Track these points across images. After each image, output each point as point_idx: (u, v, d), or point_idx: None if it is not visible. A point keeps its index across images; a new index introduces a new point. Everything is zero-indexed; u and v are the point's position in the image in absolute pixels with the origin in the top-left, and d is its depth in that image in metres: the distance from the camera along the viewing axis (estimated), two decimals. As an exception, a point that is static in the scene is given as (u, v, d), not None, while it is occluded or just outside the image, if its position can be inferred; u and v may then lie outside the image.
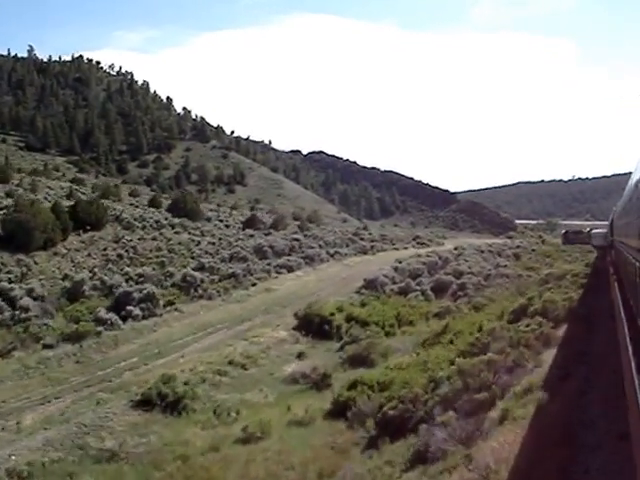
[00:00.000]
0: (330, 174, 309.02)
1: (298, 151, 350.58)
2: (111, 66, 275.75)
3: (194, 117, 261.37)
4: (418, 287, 52.17)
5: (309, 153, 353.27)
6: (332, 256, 73.35)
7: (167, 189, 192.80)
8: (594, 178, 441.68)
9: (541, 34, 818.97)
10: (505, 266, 66.26)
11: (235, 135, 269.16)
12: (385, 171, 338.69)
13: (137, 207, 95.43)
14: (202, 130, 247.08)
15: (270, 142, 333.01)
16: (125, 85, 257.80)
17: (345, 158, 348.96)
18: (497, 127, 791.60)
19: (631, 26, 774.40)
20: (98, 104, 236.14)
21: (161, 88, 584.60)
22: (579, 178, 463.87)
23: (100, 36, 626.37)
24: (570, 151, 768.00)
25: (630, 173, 12.59)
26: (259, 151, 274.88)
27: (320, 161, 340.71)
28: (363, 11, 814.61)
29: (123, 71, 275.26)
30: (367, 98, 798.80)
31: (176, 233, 71.34)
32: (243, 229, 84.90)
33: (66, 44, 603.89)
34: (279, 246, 67.89)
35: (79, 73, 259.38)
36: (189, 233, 70.56)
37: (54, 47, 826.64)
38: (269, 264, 61.43)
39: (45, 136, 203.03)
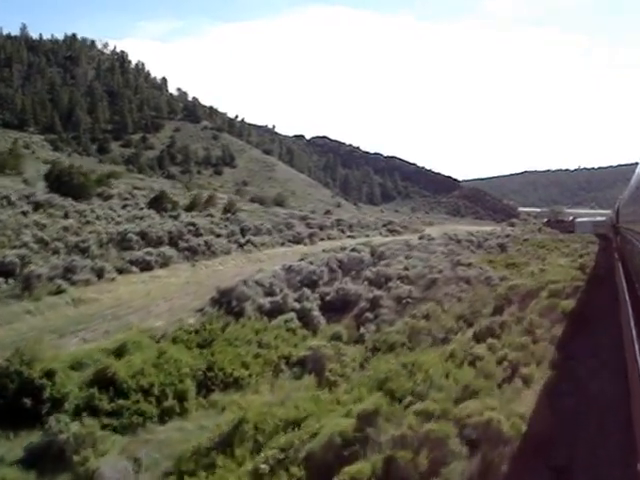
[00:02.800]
0: (331, 158, 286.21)
1: (301, 136, 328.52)
2: (105, 45, 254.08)
3: (188, 98, 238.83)
4: (301, 304, 29.94)
5: (312, 138, 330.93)
6: (242, 246, 51.46)
7: (147, 170, 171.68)
8: (600, 168, 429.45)
9: (552, 26, 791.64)
10: (469, 265, 43.94)
11: (229, 116, 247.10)
12: (388, 157, 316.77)
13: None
14: (194, 110, 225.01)
15: (274, 127, 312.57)
16: (117, 64, 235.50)
17: (348, 143, 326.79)
18: (505, 116, 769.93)
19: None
20: (85, 82, 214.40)
21: (178, 77, 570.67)
22: (585, 168, 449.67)
23: (123, 26, 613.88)
24: (577, 141, 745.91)
25: (637, 163, 11.39)
26: (255, 133, 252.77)
27: (323, 146, 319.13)
28: (379, 3, 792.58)
29: (118, 50, 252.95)
30: (376, 86, 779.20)
31: (36, 212, 49.74)
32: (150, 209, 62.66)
33: (89, 34, 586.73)
34: (157, 233, 46.01)
35: (70, 51, 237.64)
36: (49, 215, 48.80)
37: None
38: (123, 258, 39.74)
39: (23, 113, 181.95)
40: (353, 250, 42.20)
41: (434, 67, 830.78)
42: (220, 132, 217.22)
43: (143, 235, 45.93)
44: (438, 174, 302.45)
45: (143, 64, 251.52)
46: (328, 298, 31.72)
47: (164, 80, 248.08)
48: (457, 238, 74.89)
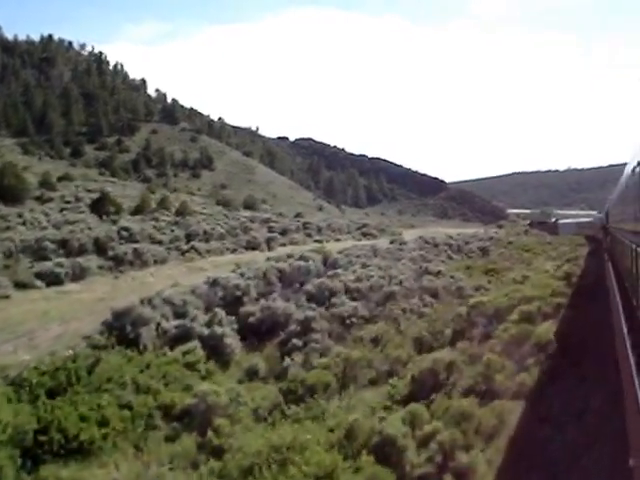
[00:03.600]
0: (315, 160, 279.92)
1: (285, 137, 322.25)
2: (82, 46, 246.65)
3: (167, 99, 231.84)
4: (210, 329, 23.64)
5: (297, 139, 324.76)
6: (184, 253, 45.18)
7: (121, 173, 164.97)
8: (590, 168, 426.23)
9: (539, 27, 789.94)
10: (437, 273, 38.01)
11: (210, 118, 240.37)
12: (373, 158, 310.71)
13: None
14: (172, 112, 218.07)
15: (257, 128, 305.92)
16: (94, 66, 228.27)
17: (333, 145, 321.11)
18: (493, 117, 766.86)
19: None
20: (60, 84, 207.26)
21: (164, 80, 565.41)
22: (575, 168, 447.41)
23: (110, 29, 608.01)
24: (566, 142, 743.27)
25: (626, 164, 11.88)
26: (237, 135, 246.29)
27: (308, 147, 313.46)
28: (367, 5, 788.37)
29: (96, 52, 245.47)
30: (363, 87, 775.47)
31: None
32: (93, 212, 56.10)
33: (75, 36, 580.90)
34: (80, 240, 39.70)
35: (46, 53, 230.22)
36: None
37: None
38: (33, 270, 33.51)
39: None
40: (301, 258, 35.99)
41: (421, 68, 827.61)
42: (199, 134, 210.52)
43: (64, 243, 39.61)
44: (425, 175, 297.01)
45: (122, 65, 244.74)
46: (252, 319, 25.51)
47: (143, 81, 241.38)
48: (434, 242, 69.04)
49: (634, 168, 8.94)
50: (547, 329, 18.02)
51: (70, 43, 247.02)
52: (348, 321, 26.65)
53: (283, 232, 61.93)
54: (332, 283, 29.80)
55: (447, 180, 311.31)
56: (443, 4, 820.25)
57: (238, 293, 27.55)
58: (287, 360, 22.41)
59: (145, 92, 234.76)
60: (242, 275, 30.59)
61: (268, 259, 37.21)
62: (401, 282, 34.06)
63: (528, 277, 47.24)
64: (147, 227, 49.12)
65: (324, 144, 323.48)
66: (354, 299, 30.35)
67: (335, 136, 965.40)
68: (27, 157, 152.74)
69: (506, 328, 18.26)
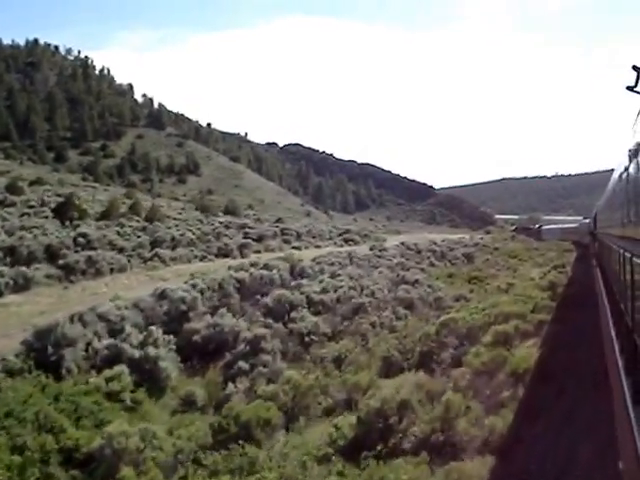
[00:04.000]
0: (303, 166, 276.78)
1: (274, 143, 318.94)
2: (68, 50, 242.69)
3: (153, 104, 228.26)
4: (143, 350, 20.42)
5: (285, 145, 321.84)
6: (147, 262, 41.99)
7: (104, 178, 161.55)
8: (577, 174, 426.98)
9: (526, 34, 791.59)
10: (415, 283, 35.05)
11: (198, 123, 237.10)
12: (362, 164, 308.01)
13: None
14: (158, 117, 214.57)
15: (246, 134, 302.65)
16: (80, 70, 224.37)
17: (322, 150, 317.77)
18: (482, 124, 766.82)
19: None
20: (45, 89, 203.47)
21: (155, 86, 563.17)
22: (562, 174, 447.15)
23: (103, 35, 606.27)
24: (554, 148, 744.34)
25: (613, 170, 12.30)
26: (226, 140, 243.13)
27: (296, 153, 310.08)
28: (356, 13, 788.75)
29: (82, 56, 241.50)
30: (352, 93, 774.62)
31: None
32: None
33: (68, 43, 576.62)
34: (30, 247, 36.43)
35: (32, 57, 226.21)
36: None
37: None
38: None
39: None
40: (265, 267, 32.83)
41: (411, 75, 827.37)
42: (185, 139, 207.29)
43: (12, 250, 36.36)
44: (413, 181, 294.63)
45: (108, 70, 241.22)
46: (197, 337, 22.36)
47: (130, 87, 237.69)
48: (417, 248, 66.11)
49: (621, 174, 9.15)
50: (526, 354, 15.03)
51: (56, 47, 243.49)
52: (308, 338, 23.53)
53: (259, 238, 58.72)
54: (293, 295, 26.70)
55: (436, 186, 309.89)
56: (435, 10, 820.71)
57: (183, 307, 24.36)
58: (230, 387, 19.27)
59: (132, 97, 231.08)
60: (194, 286, 27.37)
61: (229, 268, 33.98)
62: (373, 293, 31.05)
63: (513, 285, 44.56)
64: (110, 233, 45.84)
65: (313, 150, 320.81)
66: (318, 312, 27.34)
67: (324, 142, 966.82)
68: (8, 162, 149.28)
69: (478, 353, 15.22)
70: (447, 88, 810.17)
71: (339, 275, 33.30)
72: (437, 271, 51.58)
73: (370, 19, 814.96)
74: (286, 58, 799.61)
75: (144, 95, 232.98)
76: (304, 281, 30.09)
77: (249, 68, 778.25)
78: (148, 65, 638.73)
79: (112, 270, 38.39)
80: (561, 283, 35.28)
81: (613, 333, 10.22)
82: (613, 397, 10.23)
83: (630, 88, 5.72)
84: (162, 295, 25.86)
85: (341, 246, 69.89)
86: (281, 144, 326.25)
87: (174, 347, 21.17)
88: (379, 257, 50.29)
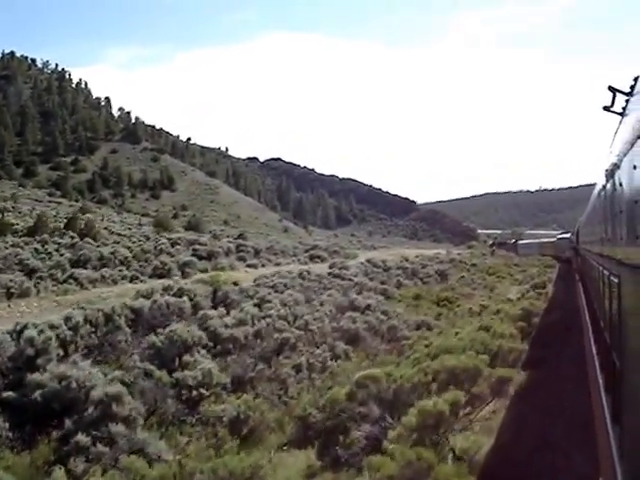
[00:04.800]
0: (283, 181, 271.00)
1: (255, 158, 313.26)
2: (45, 64, 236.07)
3: (129, 118, 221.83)
4: None
5: (266, 160, 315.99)
6: (61, 284, 35.52)
7: (73, 194, 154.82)
8: (560, 189, 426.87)
9: (510, 49, 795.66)
10: (366, 308, 28.82)
11: (175, 137, 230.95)
12: (343, 178, 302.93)
13: None
14: (134, 131, 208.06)
15: (227, 149, 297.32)
16: (55, 84, 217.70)
17: (303, 165, 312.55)
18: (466, 138, 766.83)
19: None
20: (18, 102, 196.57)
21: (142, 102, 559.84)
22: (545, 189, 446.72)
23: (90, 53, 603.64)
24: (537, 162, 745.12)
25: (595, 184, 12.35)
26: (205, 154, 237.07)
27: (277, 168, 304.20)
28: (340, 29, 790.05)
29: (59, 69, 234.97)
30: (334, 108, 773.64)
31: None
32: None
33: (56, 60, 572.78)
34: None
35: (7, 70, 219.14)
36: None
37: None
38: None
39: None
40: (179, 291, 26.46)
41: (393, 90, 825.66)
42: (161, 154, 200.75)
43: None
44: (395, 196, 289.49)
45: (86, 83, 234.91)
46: (37, 394, 15.94)
47: (107, 100, 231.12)
48: (385, 266, 60.01)
49: (599, 192, 9.60)
50: (468, 447, 8.81)
51: (33, 61, 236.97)
52: (196, 393, 17.18)
53: (209, 256, 52.35)
54: (188, 332, 20.33)
55: (419, 201, 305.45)
56: (417, 28, 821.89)
57: (29, 352, 17.93)
58: (57, 473, 12.81)
59: (109, 111, 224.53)
60: (68, 319, 20.95)
61: (137, 292, 27.59)
62: (307, 324, 24.70)
63: (487, 307, 38.83)
64: (24, 252, 39.30)
65: (294, 164, 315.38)
66: (227, 352, 21.00)
67: (306, 157, 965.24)
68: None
69: (390, 451, 8.94)
70: (430, 104, 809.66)
71: (269, 301, 27.05)
72: (403, 292, 45.46)
73: (353, 36, 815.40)
74: (269, 74, 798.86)
75: (121, 109, 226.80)
76: (210, 312, 23.65)
77: (233, 84, 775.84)
78: (135, 82, 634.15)
79: (11, 295, 31.89)
80: (540, 308, 29.51)
81: (594, 350, 10.16)
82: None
83: (606, 108, 5.73)
84: (21, 332, 19.41)
85: (305, 263, 63.65)
86: (262, 159, 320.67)
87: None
88: (337, 277, 44.10)
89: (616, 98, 5.62)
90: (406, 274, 57.78)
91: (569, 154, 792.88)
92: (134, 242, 54.15)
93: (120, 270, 41.04)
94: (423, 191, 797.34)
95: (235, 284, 32.64)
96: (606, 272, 7.26)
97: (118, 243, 52.61)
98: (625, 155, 4.56)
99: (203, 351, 19.88)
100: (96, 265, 41.48)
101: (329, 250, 76.77)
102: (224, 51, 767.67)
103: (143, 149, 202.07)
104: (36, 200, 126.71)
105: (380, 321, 29.00)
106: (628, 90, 5.21)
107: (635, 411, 4.22)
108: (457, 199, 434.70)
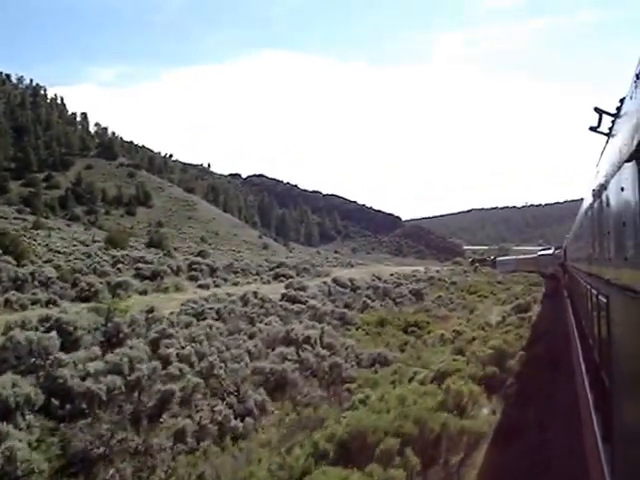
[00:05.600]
0: (265, 197, 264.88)
1: (237, 174, 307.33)
2: (20, 79, 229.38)
3: (106, 134, 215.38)
4: None
5: (249, 176, 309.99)
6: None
7: (43, 210, 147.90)
8: (547, 204, 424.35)
9: (495, 68, 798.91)
10: (305, 341, 22.47)
11: (154, 152, 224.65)
12: (327, 194, 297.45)
13: None
14: (110, 147, 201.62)
15: (209, 165, 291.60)
16: (29, 100, 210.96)
17: (286, 181, 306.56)
18: (452, 154, 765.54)
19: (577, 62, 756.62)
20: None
21: (125, 121, 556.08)
22: (532, 204, 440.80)
23: (73, 71, 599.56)
24: (523, 178, 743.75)
25: (583, 200, 12.57)
26: (180, 170, 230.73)
27: (260, 184, 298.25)
28: (327, 48, 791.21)
29: (34, 84, 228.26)
30: (320, 125, 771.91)
31: None
32: None
33: (39, 79, 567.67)
34: None
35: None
36: None
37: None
38: None
39: None
40: (57, 322, 20.13)
41: (377, 108, 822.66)
42: (138, 169, 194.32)
43: None
44: (379, 212, 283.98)
45: (62, 98, 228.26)
46: None
47: (84, 116, 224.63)
48: (353, 285, 53.89)
49: (587, 210, 9.57)
50: None
51: (8, 76, 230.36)
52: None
53: (154, 276, 45.97)
54: (13, 389, 14.06)
55: (405, 217, 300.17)
56: (402, 48, 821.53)
57: None
58: None
59: (86, 127, 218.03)
60: None
61: (6, 323, 21.21)
62: (212, 367, 18.46)
63: (462, 334, 33.23)
64: None
65: (277, 180, 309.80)
66: (81, 414, 14.75)
67: (289, 173, 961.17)
68: None
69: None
70: (416, 121, 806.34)
71: (170, 336, 20.81)
72: (366, 316, 39.31)
73: (338, 55, 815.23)
74: (254, 91, 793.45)
75: (97, 124, 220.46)
76: (73, 354, 17.38)
77: (218, 101, 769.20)
78: (119, 100, 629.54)
79: None
80: (520, 341, 23.72)
81: (583, 368, 10.07)
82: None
83: (593, 129, 5.93)
84: None
85: (268, 283, 57.41)
86: (245, 175, 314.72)
87: None
88: (290, 300, 37.88)
89: (602, 119, 5.68)
90: (377, 294, 51.79)
91: (555, 170, 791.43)
92: (69, 261, 47.71)
93: (34, 293, 34.65)
94: (409, 207, 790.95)
95: (151, 311, 26.27)
96: (594, 291, 7.26)
97: (49, 262, 46.16)
98: (612, 177, 4.67)
99: (30, 417, 13.60)
100: (7, 287, 35.07)
101: (298, 268, 70.40)
102: (209, 69, 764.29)
103: (119, 165, 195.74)
104: (2, 217, 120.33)
105: (320, 358, 22.88)
106: (614, 112, 5.23)
107: (625, 430, 4.19)
108: (444, 215, 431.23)
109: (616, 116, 5.13)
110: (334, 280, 53.25)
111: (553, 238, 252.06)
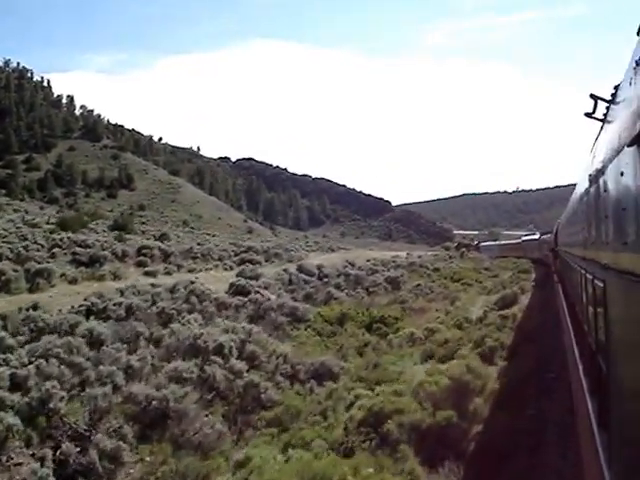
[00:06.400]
0: (254, 181, 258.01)
1: (227, 158, 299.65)
2: (7, 62, 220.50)
3: (92, 117, 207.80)
4: None
5: (238, 160, 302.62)
6: None
7: (19, 193, 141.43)
8: (537, 189, 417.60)
9: (487, 58, 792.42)
10: (216, 353, 16.24)
11: (138, 135, 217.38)
12: (316, 178, 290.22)
13: None
14: (94, 129, 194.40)
15: (198, 149, 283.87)
16: (15, 81, 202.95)
17: (275, 165, 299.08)
18: (443, 139, 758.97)
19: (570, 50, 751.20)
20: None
21: (121, 108, 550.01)
22: (523, 189, 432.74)
23: (69, 58, 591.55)
24: (514, 163, 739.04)
25: (574, 185, 12.75)
26: (164, 152, 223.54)
27: (249, 168, 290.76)
28: (319, 38, 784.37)
29: (21, 67, 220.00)
30: (311, 109, 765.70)
31: None
32: None
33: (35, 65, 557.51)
34: None
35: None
36: None
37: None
38: None
39: None
40: None
41: (369, 92, 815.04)
42: (123, 151, 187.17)
43: None
44: (369, 196, 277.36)
45: (49, 81, 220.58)
46: None
47: (70, 99, 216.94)
48: (321, 273, 48.01)
49: (582, 195, 9.27)
50: None
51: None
52: None
53: (92, 262, 39.82)
54: None
55: (396, 202, 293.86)
56: (393, 37, 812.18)
57: None
58: None
59: (72, 110, 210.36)
60: None
61: None
62: (49, 394, 12.51)
63: (435, 333, 28.19)
64: None
65: (266, 164, 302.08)
66: None
67: (279, 157, 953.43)
68: None
69: None
70: (408, 106, 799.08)
71: (9, 349, 14.73)
72: (326, 310, 33.33)
73: (329, 44, 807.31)
74: (247, 78, 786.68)
75: (83, 107, 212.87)
76: None
77: (210, 88, 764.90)
78: (114, 87, 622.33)
79: None
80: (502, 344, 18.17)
81: (577, 354, 9.82)
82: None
83: (589, 115, 5.91)
84: None
85: (230, 269, 51.39)
86: (234, 159, 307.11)
87: None
88: (236, 292, 31.92)
89: (597, 105, 5.66)
90: (347, 283, 45.92)
91: (546, 156, 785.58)
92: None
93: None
94: (399, 192, 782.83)
95: (33, 309, 20.24)
96: (589, 276, 7.25)
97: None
98: (611, 162, 4.64)
99: None
100: None
101: (269, 253, 64.25)
102: (204, 57, 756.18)
103: (103, 147, 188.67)
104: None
105: (234, 374, 16.98)
106: (609, 98, 5.23)
107: (623, 415, 4.22)
108: (434, 200, 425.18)
109: (611, 102, 5.15)
110: (299, 267, 47.20)
111: (543, 223, 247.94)
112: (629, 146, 3.39)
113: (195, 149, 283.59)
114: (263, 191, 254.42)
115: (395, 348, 26.83)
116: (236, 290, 33.43)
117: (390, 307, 38.30)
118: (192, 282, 30.98)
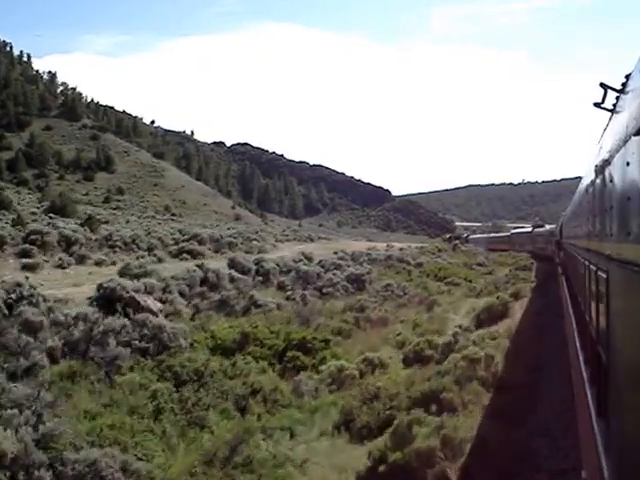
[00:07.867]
0: (248, 167, 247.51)
1: (221, 142, 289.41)
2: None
3: (74, 95, 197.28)
4: None
5: (233, 145, 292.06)
6: None
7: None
8: (544, 182, 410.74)
9: (495, 46, 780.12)
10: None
11: (121, 114, 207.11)
12: (314, 165, 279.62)
13: None
14: (73, 107, 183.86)
15: (192, 133, 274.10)
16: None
17: (272, 151, 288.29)
18: (449, 130, 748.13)
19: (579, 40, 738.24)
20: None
21: (124, 90, 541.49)
22: (529, 182, 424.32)
23: (70, 39, 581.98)
24: (520, 155, 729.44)
25: (580, 178, 12.82)
26: (151, 135, 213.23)
27: (244, 153, 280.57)
28: (324, 21, 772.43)
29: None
30: (312, 95, 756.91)
31: None
32: None
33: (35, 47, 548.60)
34: None
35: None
36: None
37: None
38: None
39: None
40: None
41: (370, 79, 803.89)
42: (103, 132, 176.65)
43: None
44: (368, 184, 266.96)
45: (29, 55, 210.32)
46: None
47: (52, 75, 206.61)
48: (263, 270, 37.64)
49: (587, 187, 9.30)
50: None
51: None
52: None
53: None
54: None
55: (399, 192, 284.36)
56: (398, 23, 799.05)
57: None
58: None
59: (52, 87, 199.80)
60: None
61: None
62: None
63: (385, 369, 17.47)
64: None
65: (262, 150, 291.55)
66: None
67: (276, 143, 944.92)
68: None
69: None
70: (412, 94, 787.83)
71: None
72: (225, 329, 22.62)
73: (334, 28, 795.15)
74: (247, 61, 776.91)
75: (63, 84, 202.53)
76: None
77: (212, 71, 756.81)
78: (116, 69, 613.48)
79: None
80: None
81: (578, 343, 10.22)
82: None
83: (597, 105, 5.74)
84: None
85: (160, 261, 41.19)
86: (229, 144, 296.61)
87: None
88: (103, 297, 21.75)
89: (607, 95, 5.51)
90: (294, 282, 35.62)
91: (552, 148, 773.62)
92: None
93: None
94: (403, 182, 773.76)
95: None
96: (593, 267, 7.20)
97: None
98: (617, 152, 4.57)
99: None
100: None
101: (221, 242, 53.65)
102: (208, 40, 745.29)
103: (82, 127, 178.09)
104: None
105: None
106: (619, 87, 5.09)
107: (622, 404, 4.24)
108: (438, 191, 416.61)
109: (621, 92, 5.01)
110: (232, 261, 36.71)
111: (549, 216, 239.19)
112: (636, 135, 3.37)
113: (189, 133, 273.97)
114: (257, 177, 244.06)
115: (304, 396, 16.80)
116: (103, 295, 22.95)
117: (343, 315, 28.45)
118: (19, 283, 20.39)
